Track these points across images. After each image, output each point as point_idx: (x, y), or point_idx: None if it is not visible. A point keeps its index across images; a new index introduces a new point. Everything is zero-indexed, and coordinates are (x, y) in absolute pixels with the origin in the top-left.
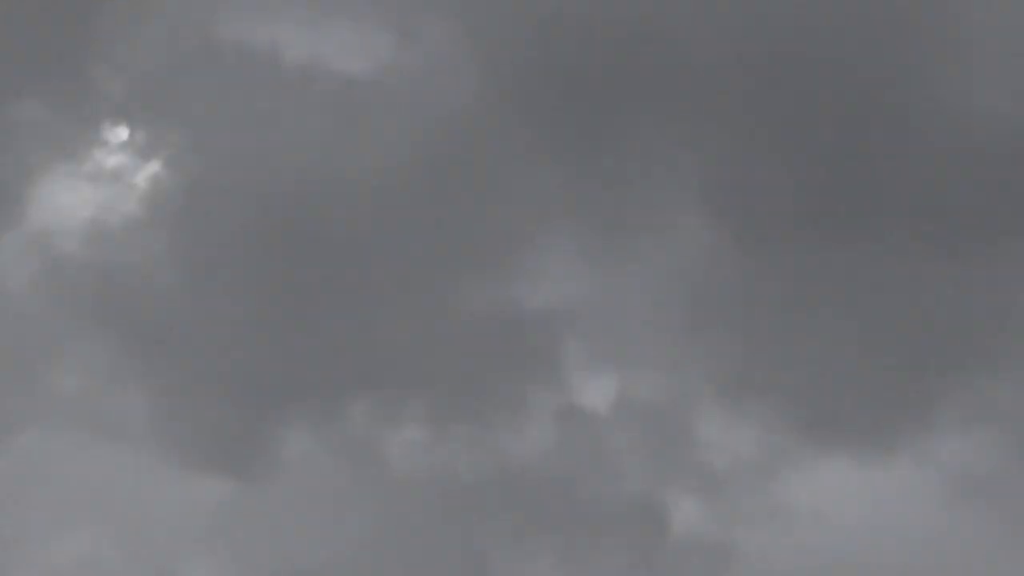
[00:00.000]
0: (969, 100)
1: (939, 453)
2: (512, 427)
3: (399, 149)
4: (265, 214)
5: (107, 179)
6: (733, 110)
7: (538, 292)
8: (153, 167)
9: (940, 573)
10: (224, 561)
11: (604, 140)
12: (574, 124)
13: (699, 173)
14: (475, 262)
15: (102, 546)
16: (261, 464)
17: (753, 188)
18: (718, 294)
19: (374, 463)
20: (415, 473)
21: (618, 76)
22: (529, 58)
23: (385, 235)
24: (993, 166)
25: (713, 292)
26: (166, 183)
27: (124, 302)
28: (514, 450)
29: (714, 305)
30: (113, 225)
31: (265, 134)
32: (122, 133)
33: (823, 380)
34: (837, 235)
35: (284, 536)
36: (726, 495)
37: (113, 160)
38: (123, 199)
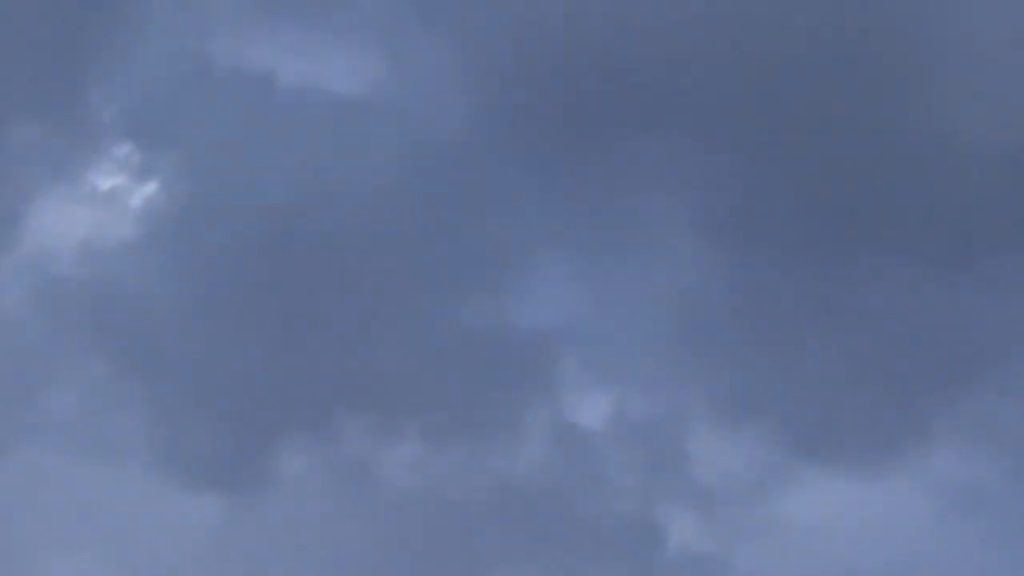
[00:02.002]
0: (964, 120)
1: (935, 470)
2: (508, 445)
3: (393, 170)
4: (259, 235)
5: (103, 200)
6: (726, 132)
7: (533, 312)
8: (148, 188)
9: None
10: None
11: (597, 161)
12: (567, 145)
13: (693, 194)
14: (470, 282)
15: (98, 564)
16: (257, 483)
17: (747, 209)
18: (712, 313)
19: (369, 482)
20: (410, 491)
21: (610, 98)
22: (520, 79)
23: (379, 256)
24: (987, 185)
25: (707, 311)
26: (161, 204)
27: (120, 322)
28: (510, 468)
29: (708, 324)
30: (109, 246)
31: (259, 156)
32: (117, 155)
33: (818, 397)
34: (832, 254)
35: (280, 554)
36: (721, 511)
37: (109, 182)
38: (118, 220)
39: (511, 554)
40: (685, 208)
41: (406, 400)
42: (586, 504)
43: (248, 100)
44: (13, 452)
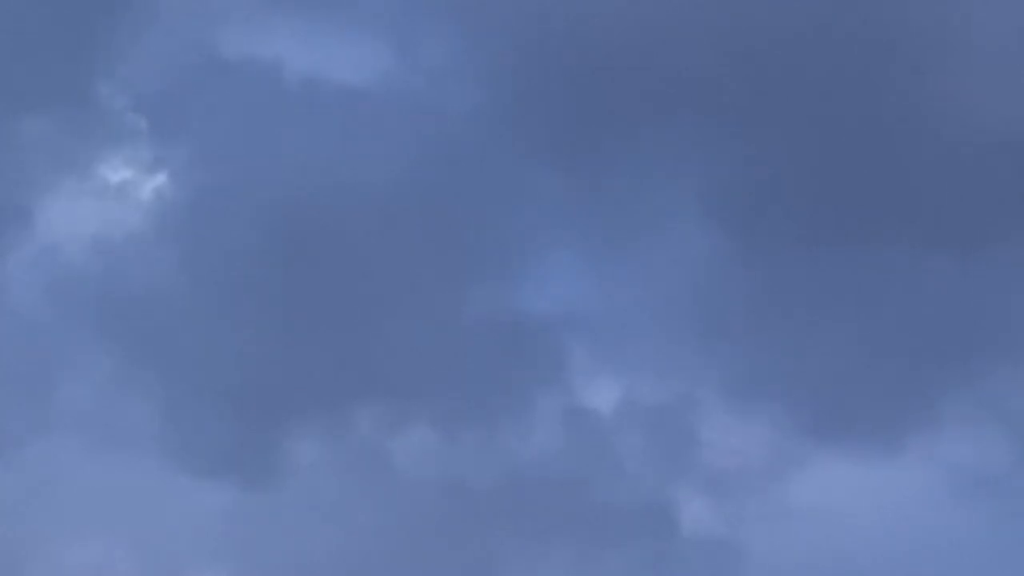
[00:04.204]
0: (971, 100)
1: (945, 451)
2: (519, 431)
3: (402, 159)
4: (269, 226)
5: (113, 194)
6: (734, 116)
7: (543, 297)
8: (158, 181)
9: (947, 571)
10: (233, 569)
11: (606, 146)
12: (575, 132)
13: (701, 177)
14: (479, 269)
15: (111, 555)
16: (269, 472)
17: (755, 191)
18: (722, 296)
19: (381, 469)
20: (422, 478)
21: (618, 84)
22: (529, 67)
23: (389, 244)
24: (995, 166)
25: (717, 294)
26: (171, 197)
27: (131, 314)
28: (521, 454)
29: (718, 307)
30: (119, 239)
31: (269, 147)
32: (127, 148)
33: (829, 380)
34: (840, 236)
35: (292, 543)
36: (734, 495)
37: (118, 175)
38: (129, 213)
39: (523, 539)
40: (695, 192)
41: (417, 387)
42: (598, 489)
43: (257, 91)
44: (27, 444)
